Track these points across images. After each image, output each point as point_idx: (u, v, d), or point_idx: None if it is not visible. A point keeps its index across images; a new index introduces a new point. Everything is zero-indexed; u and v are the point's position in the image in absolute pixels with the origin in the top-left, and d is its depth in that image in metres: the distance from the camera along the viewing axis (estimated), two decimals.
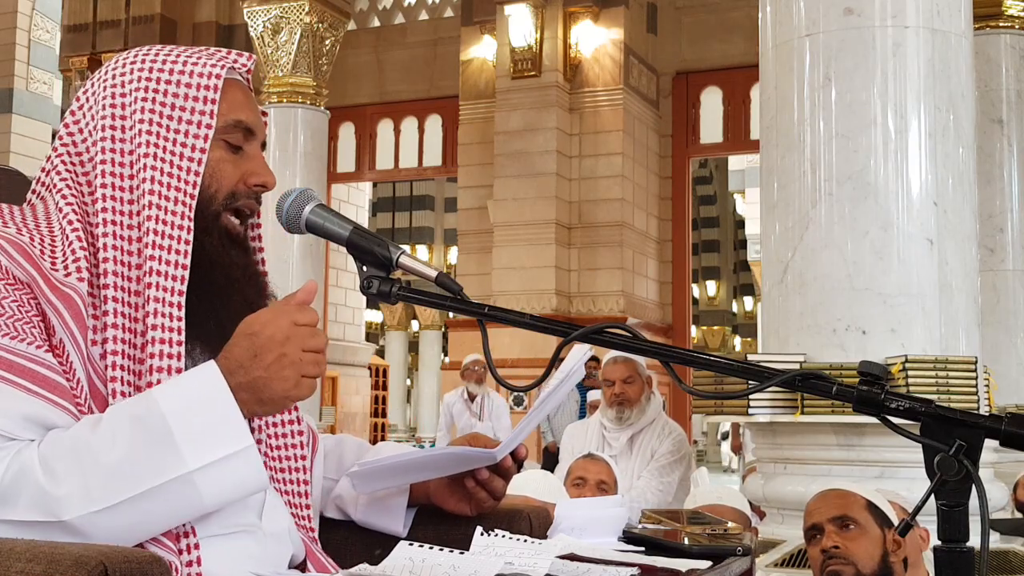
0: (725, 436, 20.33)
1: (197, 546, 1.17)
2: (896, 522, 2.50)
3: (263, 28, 10.51)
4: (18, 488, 1.08)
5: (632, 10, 10.97)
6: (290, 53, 10.40)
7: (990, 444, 1.07)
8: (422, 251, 22.52)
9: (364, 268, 1.30)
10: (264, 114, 1.42)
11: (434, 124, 12.69)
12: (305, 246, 9.69)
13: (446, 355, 13.73)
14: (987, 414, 1.09)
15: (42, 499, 1.07)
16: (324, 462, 1.51)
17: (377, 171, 13.23)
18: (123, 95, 1.30)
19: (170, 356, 1.21)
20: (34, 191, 1.34)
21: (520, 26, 10.50)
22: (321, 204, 1.35)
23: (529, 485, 3.03)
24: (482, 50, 11.25)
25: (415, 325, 24.57)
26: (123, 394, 1.19)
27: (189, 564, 1.16)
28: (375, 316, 24.52)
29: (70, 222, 1.25)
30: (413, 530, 1.49)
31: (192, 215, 1.26)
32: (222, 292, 1.29)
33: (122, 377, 1.20)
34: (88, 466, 1.09)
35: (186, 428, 1.11)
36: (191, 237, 1.25)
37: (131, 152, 1.27)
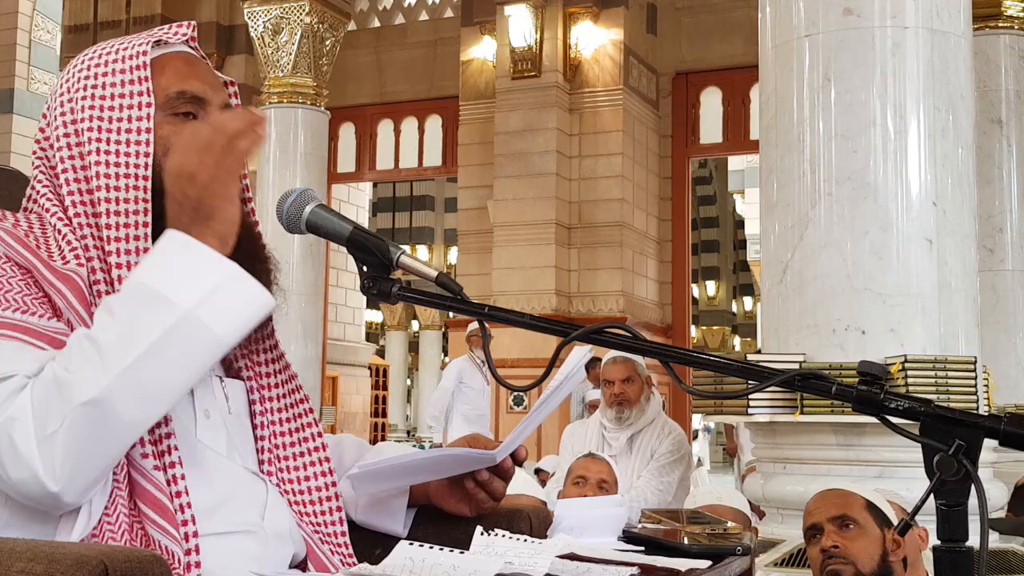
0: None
1: (196, 534, 1.17)
2: (896, 522, 2.50)
3: (263, 28, 10.51)
4: (46, 400, 1.09)
5: (632, 10, 10.97)
6: (290, 53, 10.40)
7: (989, 444, 1.07)
8: (422, 251, 22.50)
9: (364, 268, 1.30)
10: (230, 83, 1.42)
11: (434, 124, 12.69)
12: (305, 246, 9.68)
13: (446, 355, 13.73)
14: (986, 414, 1.09)
15: (66, 394, 1.09)
16: None
17: (377, 171, 13.22)
18: (71, 100, 1.31)
19: None
20: (25, 208, 1.35)
21: (520, 26, 10.50)
22: (321, 204, 1.35)
23: (516, 486, 3.09)
24: (482, 50, 11.25)
25: (415, 325, 24.56)
26: None
27: (188, 552, 1.16)
28: (375, 316, 24.51)
29: (59, 231, 1.27)
30: (413, 530, 1.49)
31: (148, 196, 1.26)
32: None
33: None
34: (94, 349, 1.11)
35: (166, 279, 1.14)
36: (148, 219, 1.25)
37: (84, 156, 1.28)
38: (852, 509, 2.48)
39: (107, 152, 1.27)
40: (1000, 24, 6.68)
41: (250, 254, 1.31)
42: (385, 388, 15.84)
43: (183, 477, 1.20)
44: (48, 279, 1.20)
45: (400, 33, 12.94)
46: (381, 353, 21.80)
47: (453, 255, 18.89)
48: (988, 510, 1.09)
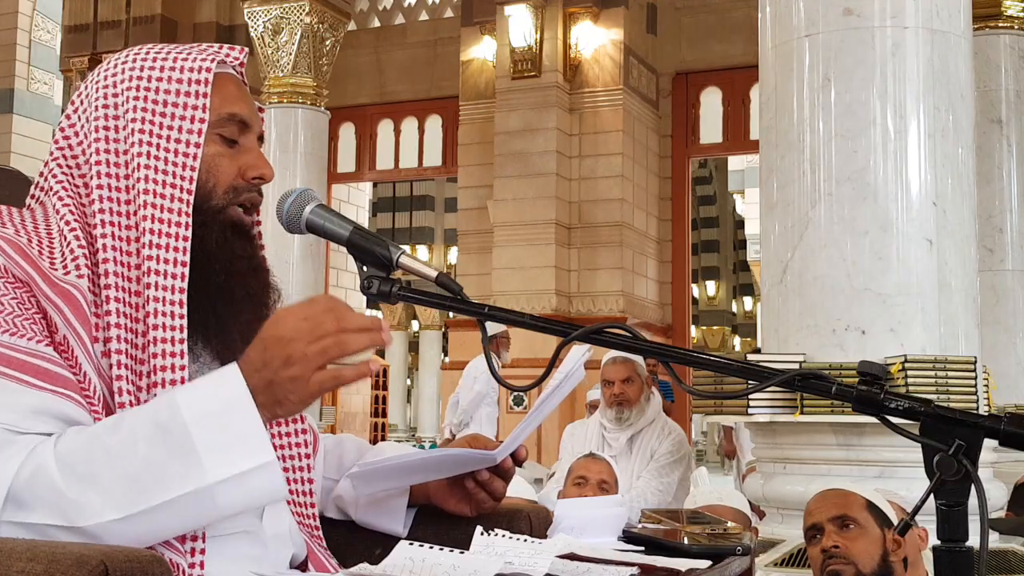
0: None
1: (203, 551, 1.17)
2: (896, 522, 2.50)
3: (263, 28, 10.51)
4: (35, 490, 1.06)
5: (632, 10, 10.97)
6: (290, 53, 10.39)
7: (989, 444, 1.07)
8: (422, 251, 22.50)
9: (364, 268, 1.30)
10: (261, 109, 1.41)
11: (434, 124, 12.68)
12: (305, 246, 9.68)
13: (446, 355, 13.72)
14: (986, 414, 1.09)
15: (60, 503, 1.06)
16: (324, 462, 1.51)
17: (377, 171, 13.22)
18: (115, 95, 1.29)
19: (172, 355, 1.20)
20: (32, 195, 1.33)
21: (520, 26, 10.49)
22: (321, 204, 1.35)
23: None
24: (482, 50, 11.25)
25: (415, 325, 24.56)
26: (128, 392, 1.18)
27: (192, 566, 1.15)
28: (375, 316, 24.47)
29: (67, 223, 1.25)
30: (413, 530, 1.49)
31: (190, 211, 1.25)
32: (222, 287, 1.28)
33: (126, 376, 1.19)
34: (108, 472, 1.07)
35: (208, 438, 1.09)
36: (189, 233, 1.24)
37: (125, 152, 1.27)
38: (853, 509, 2.48)
39: (155, 156, 1.26)
40: (1000, 24, 6.68)
41: (257, 297, 1.31)
42: (385, 388, 15.83)
43: None
44: (46, 294, 1.18)
45: (400, 33, 12.94)
46: (381, 353, 21.79)
47: (453, 255, 18.89)
48: (988, 510, 1.09)
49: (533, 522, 1.51)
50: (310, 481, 1.41)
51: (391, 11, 13.17)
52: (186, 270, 1.24)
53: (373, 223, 21.83)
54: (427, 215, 23.82)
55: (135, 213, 1.24)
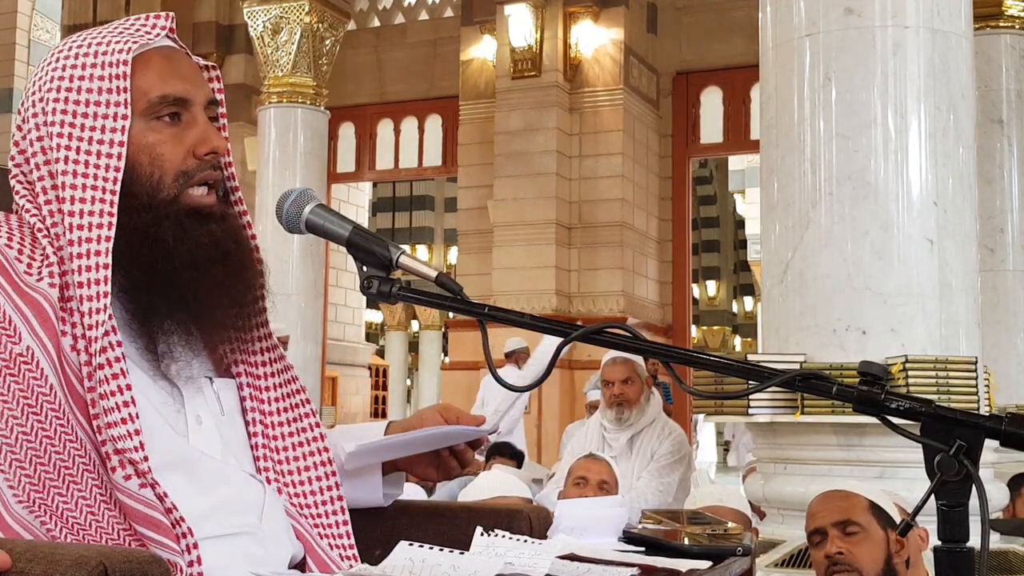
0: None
1: (196, 546, 1.16)
2: (899, 520, 2.50)
3: (263, 28, 10.51)
4: None
5: (632, 10, 10.97)
6: (290, 53, 10.39)
7: (990, 444, 1.07)
8: (422, 251, 22.50)
9: (364, 268, 1.30)
10: (211, 67, 1.36)
11: (434, 124, 12.69)
12: (305, 246, 9.68)
13: (446, 355, 13.73)
14: (987, 414, 1.09)
15: None
16: None
17: (377, 171, 13.22)
18: (42, 100, 1.25)
19: (115, 376, 1.17)
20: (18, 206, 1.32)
21: (520, 26, 10.50)
22: (321, 204, 1.35)
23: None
24: (482, 50, 11.25)
25: (415, 325, 24.55)
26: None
27: (191, 564, 1.15)
28: (375, 316, 24.50)
29: (36, 227, 1.24)
30: (413, 530, 1.49)
31: (114, 211, 1.20)
32: (191, 272, 1.25)
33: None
34: None
35: None
36: (112, 234, 1.20)
37: (55, 161, 1.22)
38: (856, 513, 2.47)
39: (75, 162, 1.21)
40: (1001, 24, 6.68)
41: (243, 275, 1.30)
42: (385, 388, 15.84)
43: (165, 496, 1.16)
44: (14, 301, 1.16)
45: (400, 33, 12.94)
46: (381, 353, 21.80)
47: (453, 255, 18.89)
48: (989, 510, 1.08)
49: (533, 522, 1.51)
50: (333, 475, 1.40)
51: (391, 11, 13.17)
52: (108, 272, 1.19)
53: (373, 223, 21.83)
54: (427, 215, 23.82)
55: (61, 236, 1.21)
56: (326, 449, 1.41)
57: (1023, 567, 3.59)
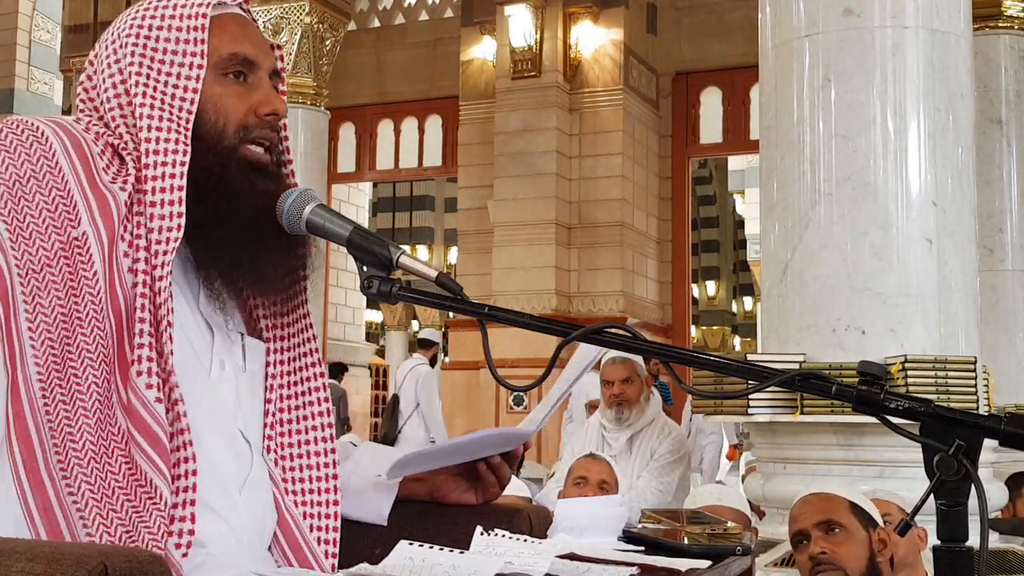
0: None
1: (195, 472, 1.19)
2: (879, 520, 2.51)
3: (263, 28, 10.51)
4: None
5: (632, 10, 10.97)
6: (290, 53, 10.39)
7: (989, 444, 1.07)
8: (422, 251, 22.49)
9: (364, 268, 1.30)
10: (277, 47, 1.42)
11: (434, 124, 12.69)
12: None
13: (446, 355, 13.73)
14: (986, 414, 1.09)
15: None
16: None
17: (377, 171, 13.22)
18: (122, 46, 1.32)
19: (164, 302, 1.22)
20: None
21: (520, 26, 10.50)
22: (321, 204, 1.35)
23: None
24: (482, 50, 11.25)
25: (415, 325, 24.54)
26: (144, 308, 1.21)
27: (186, 490, 1.18)
28: (375, 316, 24.49)
29: (115, 151, 1.29)
30: (413, 530, 1.49)
31: (188, 142, 1.27)
32: (251, 223, 1.30)
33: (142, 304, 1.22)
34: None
35: None
36: (186, 159, 1.26)
37: (129, 103, 1.29)
38: (837, 513, 2.48)
39: (152, 97, 1.28)
40: (1000, 24, 6.67)
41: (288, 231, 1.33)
42: (385, 388, 15.83)
43: (184, 415, 1.19)
44: (84, 189, 1.22)
45: (400, 33, 12.94)
46: (381, 353, 21.79)
47: (453, 255, 18.88)
48: (988, 510, 1.09)
49: (533, 522, 1.51)
50: (335, 464, 1.41)
51: (391, 11, 13.17)
52: (182, 220, 1.24)
53: (373, 223, 21.83)
54: (427, 215, 23.81)
55: (139, 160, 1.27)
56: (331, 425, 1.42)
57: (1022, 567, 3.59)
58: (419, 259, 1.31)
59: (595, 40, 10.69)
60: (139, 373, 1.18)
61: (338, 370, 12.49)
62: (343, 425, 11.89)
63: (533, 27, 10.52)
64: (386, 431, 9.19)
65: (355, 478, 1.49)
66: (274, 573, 1.26)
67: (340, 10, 10.86)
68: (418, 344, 9.39)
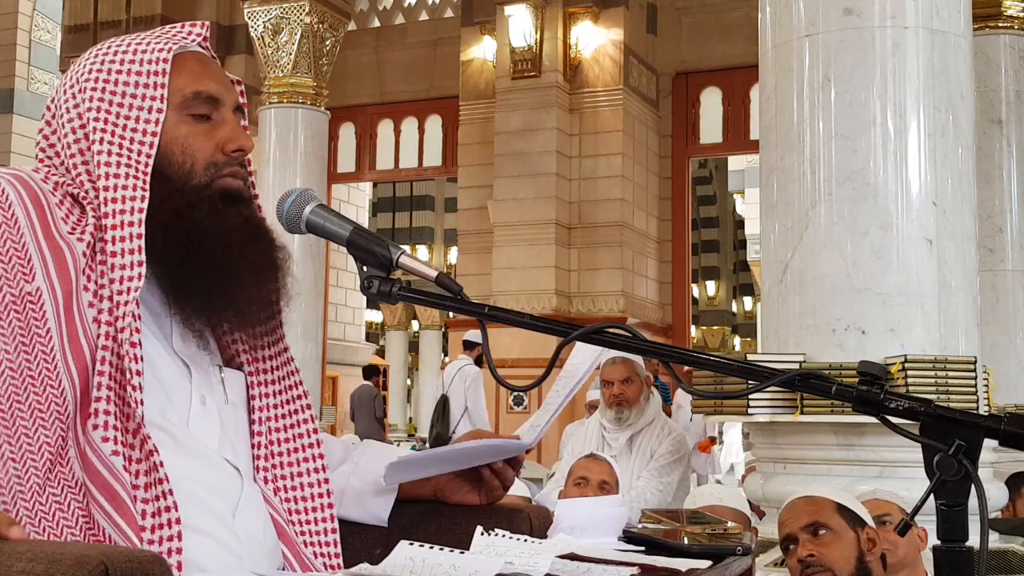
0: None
1: (180, 535, 1.17)
2: (868, 520, 2.51)
3: (263, 28, 10.51)
4: None
5: (632, 10, 10.97)
6: (290, 53, 10.40)
7: (989, 444, 1.07)
8: (422, 251, 22.49)
9: (364, 268, 1.30)
10: (237, 81, 1.42)
11: (434, 124, 12.69)
12: (305, 246, 9.69)
13: (446, 355, 13.73)
14: (986, 414, 1.09)
15: None
16: None
17: (377, 171, 13.22)
18: (81, 91, 1.31)
19: (133, 345, 1.20)
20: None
21: (520, 26, 10.50)
22: (321, 204, 1.35)
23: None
24: (482, 50, 11.25)
25: (415, 325, 24.55)
26: (105, 361, 1.19)
27: (171, 554, 1.16)
28: (375, 316, 24.50)
29: (75, 201, 1.28)
30: (413, 530, 1.49)
31: (147, 187, 1.26)
32: (221, 263, 1.29)
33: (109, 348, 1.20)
34: None
35: None
36: (144, 206, 1.25)
37: (89, 149, 1.28)
38: (823, 515, 2.48)
39: (110, 143, 1.27)
40: (1000, 24, 6.67)
41: (269, 257, 1.32)
42: (385, 388, 15.84)
43: (161, 465, 1.18)
44: (39, 244, 1.21)
45: (400, 33, 12.94)
46: (381, 353, 21.80)
47: (453, 255, 18.88)
48: (988, 510, 1.09)
49: (533, 522, 1.51)
50: (327, 482, 1.41)
51: (391, 11, 13.17)
52: (142, 269, 1.23)
53: (373, 223, 21.83)
54: (427, 215, 23.81)
55: (98, 209, 1.26)
56: (322, 456, 1.41)
57: (1022, 567, 3.59)
58: (419, 259, 1.32)
59: (595, 40, 10.69)
60: (95, 427, 1.16)
61: (371, 372, 12.62)
62: (379, 424, 12.01)
63: (533, 27, 10.52)
64: (439, 431, 9.31)
65: (354, 479, 1.49)
66: (275, 574, 1.26)
67: (340, 10, 10.85)
68: (463, 345, 9.57)
